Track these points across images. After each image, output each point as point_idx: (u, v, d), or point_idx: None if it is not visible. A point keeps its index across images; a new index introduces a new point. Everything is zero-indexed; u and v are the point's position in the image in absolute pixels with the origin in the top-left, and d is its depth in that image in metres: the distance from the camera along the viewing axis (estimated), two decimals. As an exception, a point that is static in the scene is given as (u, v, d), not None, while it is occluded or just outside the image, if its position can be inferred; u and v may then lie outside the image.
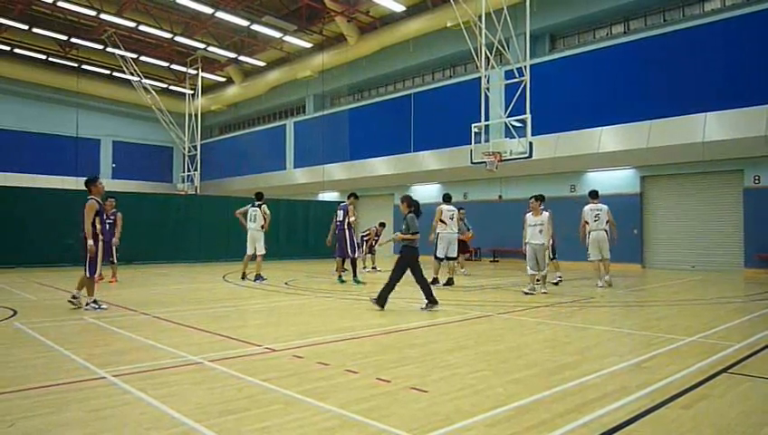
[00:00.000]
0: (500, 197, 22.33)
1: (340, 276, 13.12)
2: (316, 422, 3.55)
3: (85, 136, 35.96)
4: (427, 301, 8.65)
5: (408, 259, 8.58)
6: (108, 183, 34.76)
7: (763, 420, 3.69)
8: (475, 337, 6.58)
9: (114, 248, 12.71)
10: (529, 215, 10.95)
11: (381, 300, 8.55)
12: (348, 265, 13.11)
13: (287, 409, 3.83)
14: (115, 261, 12.89)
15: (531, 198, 11.00)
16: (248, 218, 13.54)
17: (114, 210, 12.73)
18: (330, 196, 30.15)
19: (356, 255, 13.06)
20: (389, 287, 8.57)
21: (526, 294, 10.74)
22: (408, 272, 8.68)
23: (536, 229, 10.75)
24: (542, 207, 10.99)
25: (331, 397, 4.07)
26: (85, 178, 8.59)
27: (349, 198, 13.14)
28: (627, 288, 12.41)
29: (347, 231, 12.82)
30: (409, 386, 4.37)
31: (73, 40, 30.19)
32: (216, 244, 21.10)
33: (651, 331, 6.95)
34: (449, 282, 12.63)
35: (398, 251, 8.85)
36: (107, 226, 11.51)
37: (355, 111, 29.81)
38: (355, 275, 12.94)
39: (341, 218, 12.90)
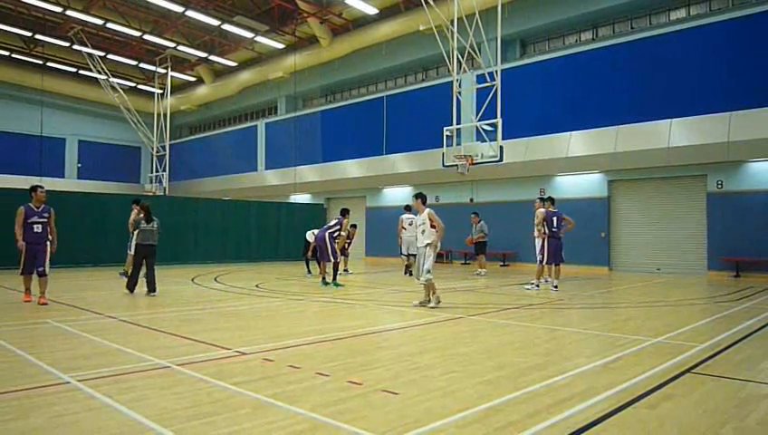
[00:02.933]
0: (471, 200, 22.48)
1: (323, 278, 13.43)
2: (286, 426, 3.53)
3: (50, 135, 35.05)
4: (147, 289, 10.77)
5: (141, 253, 10.81)
6: (73, 183, 34.49)
7: (726, 419, 3.79)
8: (446, 339, 6.62)
9: (47, 256, 9.38)
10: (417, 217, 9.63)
11: (130, 287, 10.87)
12: (329, 268, 13.45)
13: (257, 413, 3.79)
14: (47, 272, 9.32)
15: (413, 195, 9.64)
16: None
17: (43, 205, 9.43)
18: (301, 198, 29.98)
19: (337, 259, 13.34)
20: (135, 276, 10.92)
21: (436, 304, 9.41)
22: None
23: (419, 230, 9.37)
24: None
25: (301, 400, 4.04)
26: None
27: (345, 215, 13.52)
28: (594, 290, 12.62)
29: (330, 238, 13.08)
30: (380, 389, 4.38)
31: (38, 36, 29.45)
32: (185, 246, 20.87)
33: (618, 332, 7.08)
34: (408, 271, 15.82)
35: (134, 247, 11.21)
36: (38, 226, 9.27)
37: (327, 113, 29.70)
38: (335, 278, 13.15)
39: (332, 224, 13.23)
